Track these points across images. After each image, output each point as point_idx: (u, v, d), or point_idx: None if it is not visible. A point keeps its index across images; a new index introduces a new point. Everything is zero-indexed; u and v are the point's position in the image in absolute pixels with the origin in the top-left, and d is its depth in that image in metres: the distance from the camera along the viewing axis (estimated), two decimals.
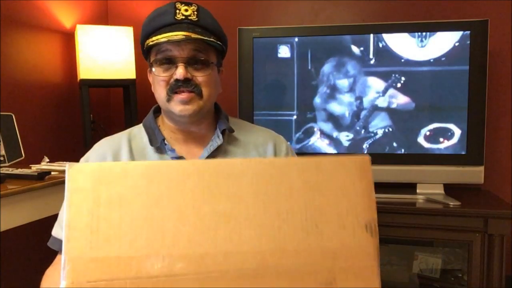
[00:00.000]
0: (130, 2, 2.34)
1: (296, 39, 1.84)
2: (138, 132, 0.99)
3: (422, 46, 1.76)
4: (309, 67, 1.84)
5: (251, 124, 1.08)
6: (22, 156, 1.64)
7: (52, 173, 1.49)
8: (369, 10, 2.04)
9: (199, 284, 0.55)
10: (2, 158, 1.55)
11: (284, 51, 1.86)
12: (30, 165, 1.63)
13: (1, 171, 1.42)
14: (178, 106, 0.89)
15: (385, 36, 1.77)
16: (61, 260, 0.53)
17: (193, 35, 0.87)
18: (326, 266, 0.58)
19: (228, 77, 2.05)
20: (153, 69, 0.92)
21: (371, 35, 1.78)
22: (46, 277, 0.90)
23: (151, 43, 0.90)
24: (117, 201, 0.55)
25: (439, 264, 1.87)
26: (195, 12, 0.90)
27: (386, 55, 1.78)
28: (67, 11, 2.12)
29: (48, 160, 1.75)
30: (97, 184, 0.55)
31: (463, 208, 1.61)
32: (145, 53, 0.96)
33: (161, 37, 0.88)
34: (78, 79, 2.01)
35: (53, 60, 2.07)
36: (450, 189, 1.81)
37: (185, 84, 0.88)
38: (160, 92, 0.91)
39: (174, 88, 0.89)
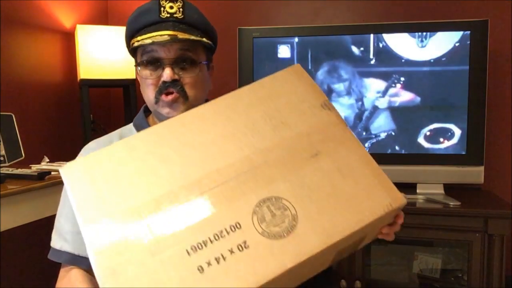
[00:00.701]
0: (130, 2, 2.34)
1: (296, 39, 1.84)
2: (129, 132, 0.96)
3: (422, 46, 1.76)
4: (309, 67, 1.84)
5: None
6: (22, 156, 1.64)
7: (52, 173, 1.49)
8: (369, 10, 2.04)
9: (206, 200, 0.62)
10: (2, 158, 1.55)
11: (284, 51, 1.86)
12: (30, 165, 1.63)
13: (1, 171, 1.42)
14: (165, 108, 0.87)
15: (385, 36, 1.78)
16: (83, 234, 0.58)
17: (180, 35, 0.84)
18: (305, 144, 0.68)
19: (228, 77, 2.06)
20: (140, 71, 0.89)
21: (371, 35, 1.78)
22: None
23: (136, 43, 0.87)
24: (110, 174, 0.63)
25: (439, 264, 1.87)
26: (181, 9, 0.87)
27: (386, 55, 1.78)
28: (67, 11, 2.12)
29: (48, 160, 1.76)
30: (90, 169, 0.63)
31: (463, 208, 1.61)
32: (131, 52, 0.93)
33: (146, 37, 0.85)
34: (78, 79, 2.01)
35: (53, 60, 2.07)
36: (450, 189, 1.81)
37: (173, 85, 0.86)
38: (148, 94, 0.89)
39: (163, 90, 0.86)
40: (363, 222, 0.63)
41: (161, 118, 0.91)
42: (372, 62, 1.79)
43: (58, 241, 0.89)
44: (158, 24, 0.86)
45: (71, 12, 2.14)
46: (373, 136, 1.81)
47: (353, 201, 0.64)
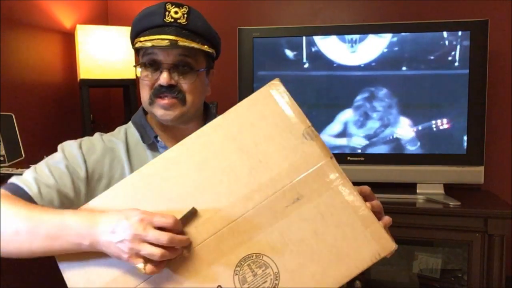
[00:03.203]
0: (130, 2, 2.34)
1: (296, 39, 1.84)
2: (129, 130, 0.97)
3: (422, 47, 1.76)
4: (309, 67, 1.84)
5: None
6: (22, 156, 1.64)
7: None
8: (369, 10, 2.04)
9: (186, 263, 0.59)
10: (2, 158, 1.55)
11: (284, 51, 1.86)
12: (30, 165, 1.63)
13: (1, 171, 1.42)
14: (159, 110, 0.88)
15: (385, 36, 1.77)
16: None
17: (180, 41, 0.85)
18: (285, 188, 0.61)
19: (228, 77, 2.06)
20: (139, 71, 0.90)
21: (371, 35, 1.78)
22: None
23: (138, 44, 0.88)
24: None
25: (439, 264, 1.87)
26: (185, 15, 0.87)
27: (386, 55, 1.78)
28: (67, 11, 2.11)
29: None
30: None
31: (463, 208, 1.61)
32: (135, 51, 0.94)
33: (148, 40, 0.86)
34: (78, 79, 2.01)
35: (53, 60, 2.07)
36: (450, 189, 1.80)
37: (169, 90, 0.86)
38: (144, 94, 0.90)
39: (158, 93, 0.87)
40: (348, 277, 0.60)
41: (157, 119, 0.92)
42: (372, 61, 1.79)
43: (21, 178, 0.83)
44: (161, 27, 0.86)
45: (71, 12, 2.14)
46: (373, 135, 1.81)
47: (337, 253, 0.59)
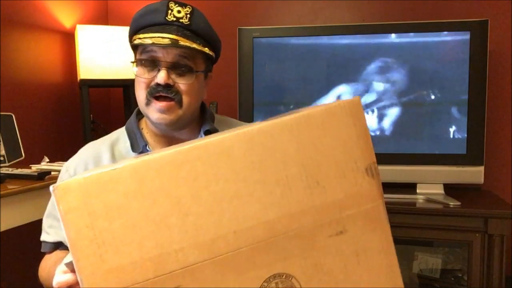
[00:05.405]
0: (130, 2, 2.34)
1: (296, 39, 1.84)
2: (122, 136, 0.96)
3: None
4: (309, 67, 1.84)
5: (237, 121, 1.05)
6: (22, 156, 1.64)
7: (52, 173, 1.49)
8: (370, 10, 2.04)
9: (216, 267, 0.56)
10: (2, 158, 1.55)
11: (284, 51, 1.86)
12: (30, 165, 1.63)
13: (1, 171, 1.42)
14: (155, 113, 0.86)
15: (385, 36, 1.77)
16: (78, 280, 0.53)
17: (181, 41, 0.83)
18: (334, 218, 0.60)
19: (228, 77, 2.06)
20: (136, 68, 0.88)
21: (371, 35, 1.78)
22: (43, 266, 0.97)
23: (137, 40, 0.86)
24: (113, 210, 0.54)
25: (439, 264, 1.87)
26: (188, 15, 0.86)
27: (385, 54, 1.78)
28: (67, 11, 2.11)
29: (48, 160, 1.75)
30: (89, 198, 0.53)
31: (463, 208, 1.61)
32: (132, 48, 0.93)
33: (148, 37, 0.84)
34: (78, 79, 2.01)
35: (53, 60, 2.07)
36: (450, 189, 1.80)
37: (166, 89, 0.84)
38: (140, 94, 0.88)
39: (154, 92, 0.85)
40: None
41: (151, 122, 0.90)
42: (371, 61, 1.79)
43: (43, 235, 1.01)
44: (162, 26, 0.85)
45: (71, 12, 2.14)
46: (372, 134, 1.81)
47: None
